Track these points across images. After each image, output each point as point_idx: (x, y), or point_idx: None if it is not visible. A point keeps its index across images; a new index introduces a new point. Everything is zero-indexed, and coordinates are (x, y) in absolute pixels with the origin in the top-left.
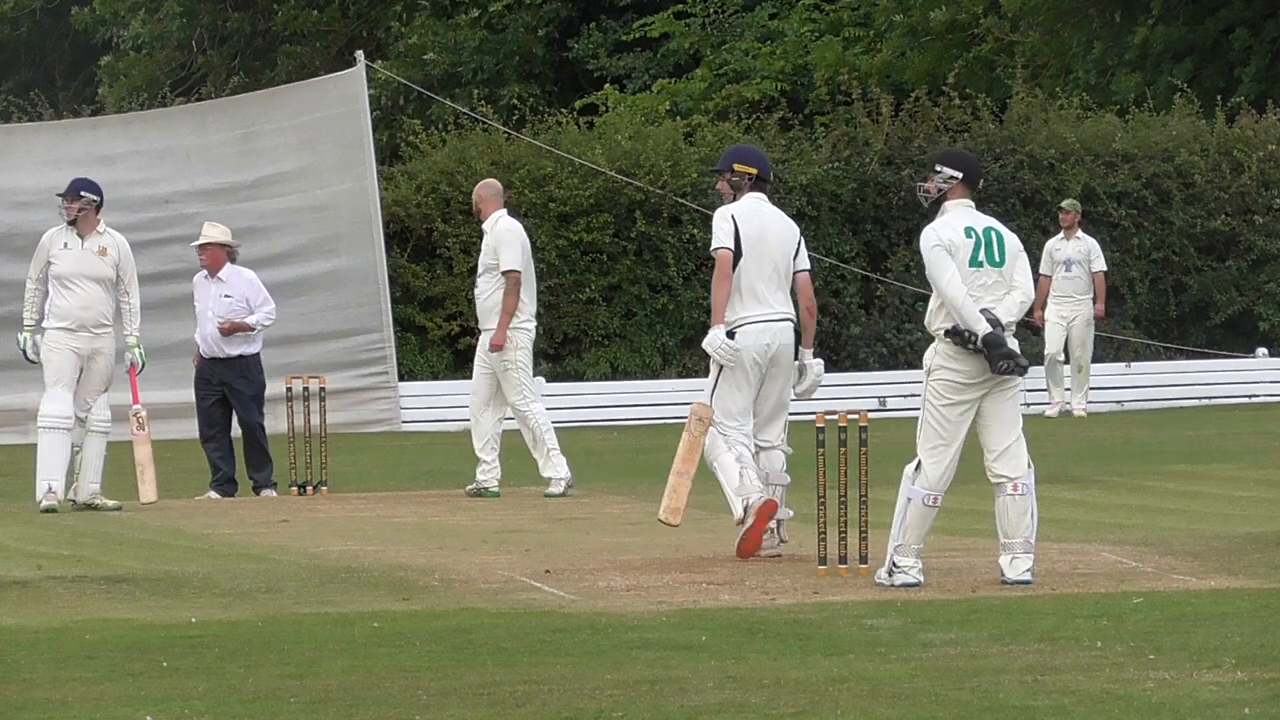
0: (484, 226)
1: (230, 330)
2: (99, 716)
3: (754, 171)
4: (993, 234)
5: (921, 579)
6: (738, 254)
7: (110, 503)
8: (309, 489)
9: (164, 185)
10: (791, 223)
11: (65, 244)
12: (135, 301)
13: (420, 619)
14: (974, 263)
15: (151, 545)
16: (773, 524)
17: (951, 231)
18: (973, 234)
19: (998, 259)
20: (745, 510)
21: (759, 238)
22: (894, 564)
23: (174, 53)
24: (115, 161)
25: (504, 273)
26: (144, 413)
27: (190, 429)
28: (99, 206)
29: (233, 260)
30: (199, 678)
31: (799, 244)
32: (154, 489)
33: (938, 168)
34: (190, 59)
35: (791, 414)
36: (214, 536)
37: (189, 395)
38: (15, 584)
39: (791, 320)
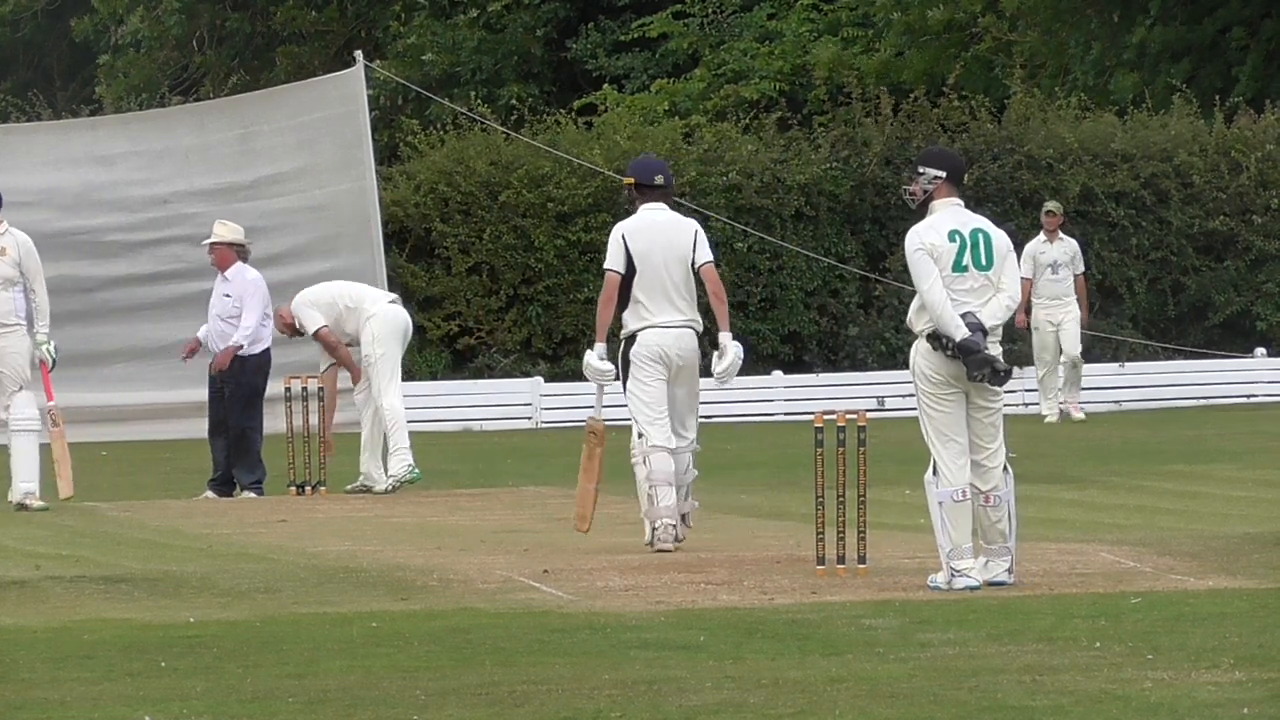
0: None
1: (221, 364)
2: (97, 716)
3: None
4: (980, 235)
5: (981, 581)
6: (631, 272)
7: (37, 503)
8: (307, 489)
9: (163, 185)
10: (686, 225)
11: None
12: (42, 299)
13: (418, 619)
14: (958, 267)
15: (150, 545)
16: (675, 520)
17: (935, 235)
18: (957, 237)
19: (984, 262)
20: (652, 534)
21: (648, 252)
22: (953, 570)
23: (173, 53)
24: (114, 161)
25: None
26: (57, 410)
27: (189, 429)
28: None
29: (244, 259)
30: (197, 678)
31: (695, 242)
32: (70, 484)
33: (920, 169)
34: (189, 59)
35: (789, 415)
36: (212, 536)
37: (189, 395)
38: (14, 584)
39: (691, 326)
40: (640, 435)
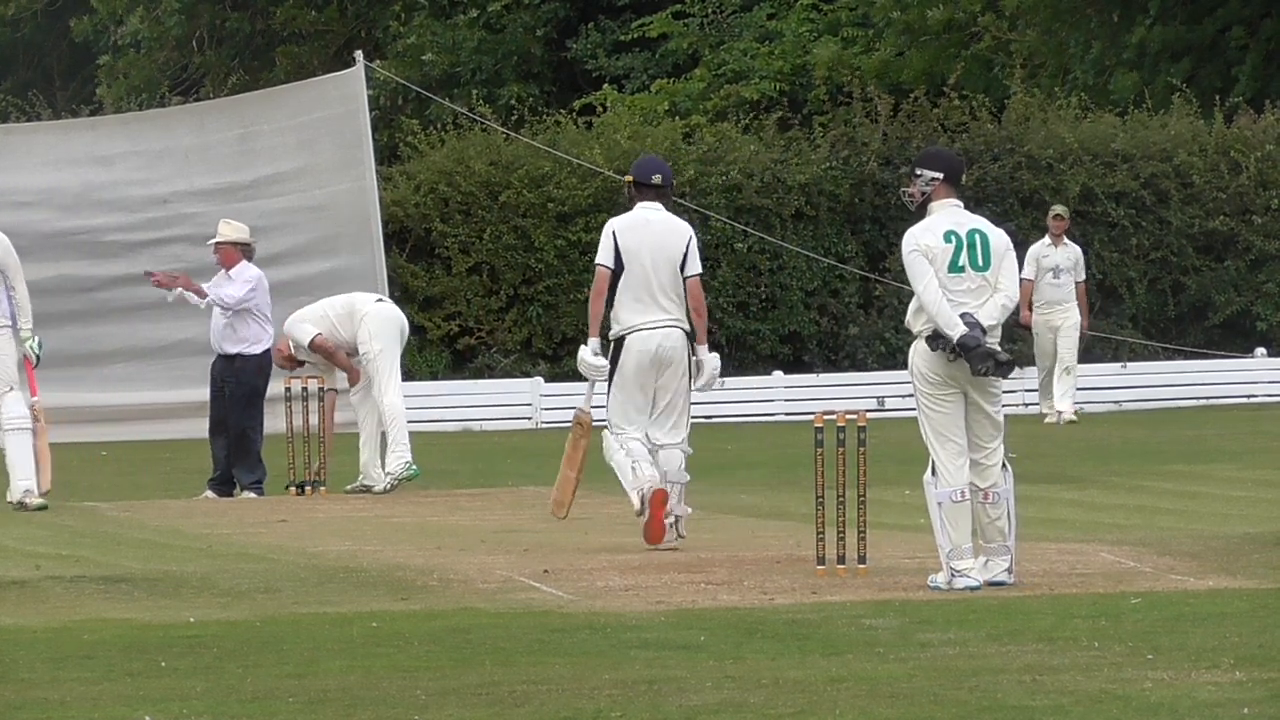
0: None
1: (172, 284)
2: (97, 716)
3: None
4: (977, 236)
5: (981, 581)
6: (619, 268)
7: (35, 501)
8: (307, 489)
9: (162, 185)
10: (681, 229)
11: None
12: (22, 296)
13: (418, 619)
14: (954, 268)
15: (150, 545)
16: (671, 519)
17: (931, 236)
18: (953, 238)
19: (981, 263)
20: (641, 502)
21: (638, 250)
22: (953, 570)
23: (172, 53)
24: (114, 162)
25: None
26: (39, 405)
27: (189, 429)
28: None
29: (249, 258)
30: (197, 678)
31: (687, 250)
32: (47, 479)
33: (918, 171)
34: (189, 59)
35: (789, 415)
36: (212, 536)
37: (188, 395)
38: (14, 584)
39: (678, 325)
40: (615, 434)
